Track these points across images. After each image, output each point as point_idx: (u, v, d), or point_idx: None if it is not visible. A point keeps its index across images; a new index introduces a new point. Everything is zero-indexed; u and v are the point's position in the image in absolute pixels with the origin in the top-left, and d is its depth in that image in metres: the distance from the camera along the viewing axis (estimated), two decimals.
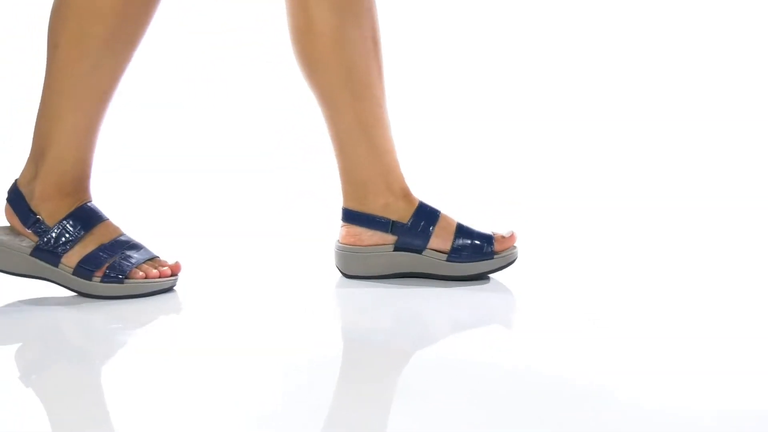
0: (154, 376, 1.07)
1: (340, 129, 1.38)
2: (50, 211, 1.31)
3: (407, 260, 1.41)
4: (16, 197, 1.33)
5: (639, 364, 1.10)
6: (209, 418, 0.96)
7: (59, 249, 1.30)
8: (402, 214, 1.40)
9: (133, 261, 1.32)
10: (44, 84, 1.30)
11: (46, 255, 1.31)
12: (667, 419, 0.94)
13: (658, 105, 2.51)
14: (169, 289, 1.34)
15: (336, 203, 1.45)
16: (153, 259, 1.34)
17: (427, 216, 1.40)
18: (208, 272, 1.48)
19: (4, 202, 1.34)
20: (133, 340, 1.21)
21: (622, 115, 2.49)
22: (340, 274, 1.44)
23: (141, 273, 1.32)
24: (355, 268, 1.41)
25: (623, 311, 1.31)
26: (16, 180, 1.34)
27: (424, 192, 1.45)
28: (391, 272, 1.41)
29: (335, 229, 1.46)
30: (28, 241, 1.32)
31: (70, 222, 1.31)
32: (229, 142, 2.30)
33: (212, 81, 2.43)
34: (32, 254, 1.31)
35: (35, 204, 1.31)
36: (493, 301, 1.36)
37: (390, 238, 1.40)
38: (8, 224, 1.34)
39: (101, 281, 1.30)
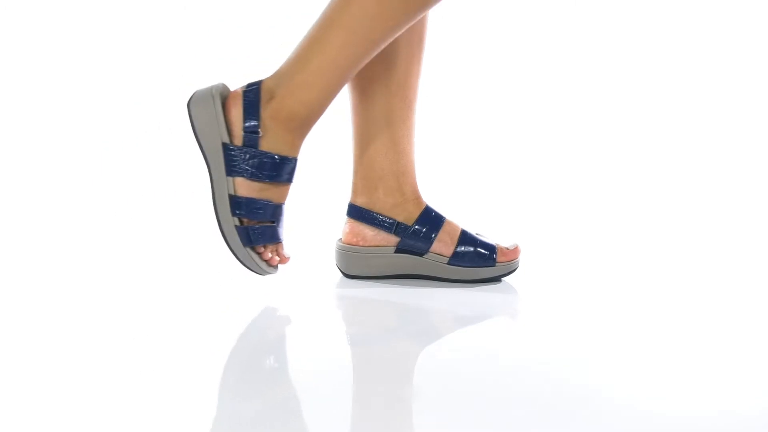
0: (150, 374, 1.07)
1: (367, 120, 1.39)
2: (267, 133, 1.27)
3: (409, 262, 1.41)
4: (254, 96, 1.27)
5: (640, 364, 1.10)
6: (211, 417, 0.96)
7: (240, 168, 1.26)
8: (408, 216, 1.40)
9: (274, 238, 1.29)
10: (327, 8, 1.26)
11: (228, 158, 1.26)
12: (668, 419, 0.94)
13: (660, 111, 2.52)
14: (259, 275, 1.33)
15: (338, 203, 1.45)
16: (278, 243, 1.32)
17: (431, 220, 1.40)
18: (206, 269, 1.48)
19: (237, 90, 1.29)
20: (133, 338, 1.20)
21: (623, 120, 2.50)
22: (341, 274, 1.44)
23: (262, 248, 1.31)
24: (355, 268, 1.41)
25: (624, 311, 1.31)
26: (261, 80, 1.28)
27: (434, 197, 1.46)
28: (392, 273, 1.42)
29: (334, 229, 1.46)
30: (225, 128, 1.27)
31: (276, 164, 1.27)
32: None
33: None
34: (222, 145, 1.26)
35: (263, 114, 1.27)
36: (494, 300, 1.36)
37: (393, 240, 1.40)
38: (225, 93, 1.29)
39: (236, 227, 1.27)
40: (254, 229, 1.29)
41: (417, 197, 1.42)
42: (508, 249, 1.41)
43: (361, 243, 1.41)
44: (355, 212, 1.41)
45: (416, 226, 1.40)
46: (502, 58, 2.58)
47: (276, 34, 2.46)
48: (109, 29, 2.46)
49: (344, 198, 1.44)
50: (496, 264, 1.40)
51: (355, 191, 1.42)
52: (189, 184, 2.11)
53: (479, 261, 1.40)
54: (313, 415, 0.96)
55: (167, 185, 2.14)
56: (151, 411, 0.96)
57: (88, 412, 0.96)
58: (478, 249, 1.40)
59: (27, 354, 1.13)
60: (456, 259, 1.40)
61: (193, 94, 1.30)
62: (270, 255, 1.32)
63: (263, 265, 1.31)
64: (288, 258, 1.35)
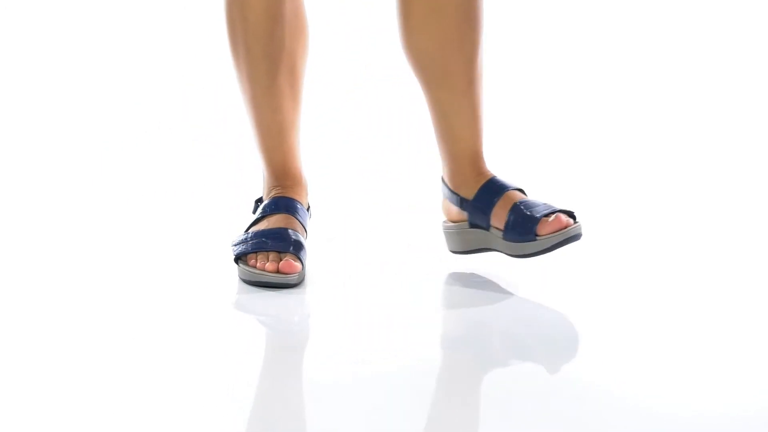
0: (147, 375, 1.07)
1: (442, 97, 1.37)
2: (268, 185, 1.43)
3: (480, 237, 1.37)
4: None
5: (639, 364, 1.10)
6: (211, 417, 0.96)
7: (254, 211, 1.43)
8: (469, 191, 1.37)
9: (250, 247, 1.36)
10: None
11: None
12: (669, 420, 0.94)
13: (659, 107, 2.51)
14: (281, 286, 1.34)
15: (337, 202, 1.45)
16: (281, 253, 1.35)
17: (489, 193, 1.35)
18: (207, 269, 1.48)
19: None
20: (137, 338, 1.20)
21: (622, 114, 2.49)
22: (342, 272, 1.43)
23: (252, 261, 1.34)
24: (454, 245, 1.41)
25: (624, 310, 1.31)
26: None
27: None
28: (475, 248, 1.39)
29: (334, 228, 1.46)
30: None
31: (268, 203, 1.41)
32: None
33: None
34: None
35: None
36: (494, 300, 1.35)
37: (465, 215, 1.39)
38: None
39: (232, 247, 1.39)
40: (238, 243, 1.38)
41: (481, 172, 1.37)
42: (548, 221, 1.31)
43: (448, 219, 1.41)
44: (444, 187, 1.41)
45: (475, 199, 1.37)
46: (501, 57, 2.58)
47: None
48: (109, 29, 2.46)
49: (342, 197, 1.43)
50: (537, 238, 1.31)
51: (442, 167, 1.41)
52: (189, 184, 2.10)
53: (522, 234, 1.32)
54: (313, 414, 0.96)
55: (167, 185, 2.14)
56: (146, 414, 0.96)
57: (86, 411, 0.96)
58: (521, 220, 1.32)
59: (28, 354, 1.13)
60: (506, 232, 1.34)
61: None
62: (260, 263, 1.33)
63: (255, 271, 1.33)
64: (289, 262, 1.32)
